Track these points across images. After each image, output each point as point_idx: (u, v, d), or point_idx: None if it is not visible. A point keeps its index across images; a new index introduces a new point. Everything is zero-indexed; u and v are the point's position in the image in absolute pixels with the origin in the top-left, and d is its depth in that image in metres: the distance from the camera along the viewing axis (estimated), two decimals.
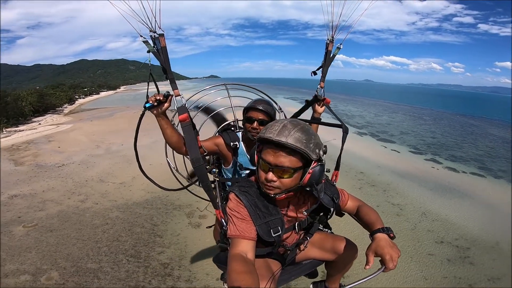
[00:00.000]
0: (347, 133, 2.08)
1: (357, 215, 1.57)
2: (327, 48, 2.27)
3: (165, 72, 1.72)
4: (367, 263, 1.20)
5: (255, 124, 2.15)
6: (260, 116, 2.17)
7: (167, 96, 1.74)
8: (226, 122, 2.82)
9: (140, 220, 8.70)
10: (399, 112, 44.07)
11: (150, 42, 1.67)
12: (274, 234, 1.38)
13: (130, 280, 6.39)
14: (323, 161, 1.31)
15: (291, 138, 1.19)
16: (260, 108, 2.16)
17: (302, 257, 1.74)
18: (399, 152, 18.66)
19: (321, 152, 1.27)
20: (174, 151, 2.26)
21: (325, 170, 1.55)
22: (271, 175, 1.26)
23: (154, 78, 1.79)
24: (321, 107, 2.38)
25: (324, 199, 1.51)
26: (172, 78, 1.74)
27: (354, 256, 1.73)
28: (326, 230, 1.84)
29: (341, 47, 2.27)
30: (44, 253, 13.10)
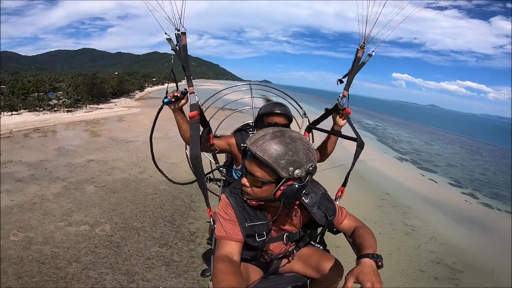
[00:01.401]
0: (362, 148, 1.98)
1: (352, 236, 1.47)
2: (356, 54, 2.12)
3: (184, 69, 1.76)
4: (343, 287, 1.12)
5: None
6: (283, 122, 2.19)
7: (184, 93, 1.79)
8: (245, 123, 2.80)
9: (181, 195, 10.88)
10: (455, 144, 40.48)
11: (174, 40, 1.73)
12: (258, 238, 1.36)
13: (162, 239, 8.46)
14: (304, 181, 1.24)
15: (261, 149, 1.17)
16: (280, 112, 2.18)
17: (286, 269, 1.66)
18: (436, 182, 18.06)
19: (298, 172, 1.19)
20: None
21: (325, 191, 1.58)
22: (244, 180, 1.28)
23: (175, 75, 1.87)
24: (342, 119, 2.18)
25: (317, 215, 1.45)
26: (189, 75, 1.78)
27: (338, 279, 1.59)
28: (318, 246, 1.75)
29: (373, 54, 2.10)
30: (104, 210, 17.03)
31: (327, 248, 1.79)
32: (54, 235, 15.06)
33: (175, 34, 1.71)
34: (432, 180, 18.71)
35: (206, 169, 2.22)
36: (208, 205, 1.62)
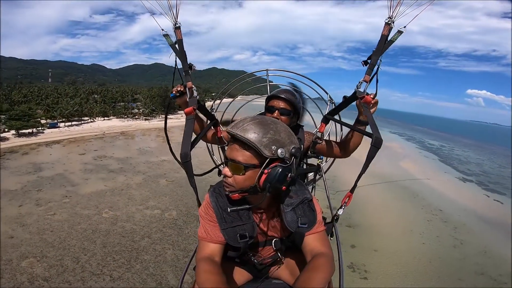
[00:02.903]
0: (378, 148, 1.55)
1: (306, 266, 1.19)
2: (383, 31, 1.65)
3: (181, 63, 1.74)
4: None
5: (276, 113, 1.98)
6: (282, 105, 2.00)
7: (191, 92, 1.76)
8: (260, 112, 2.38)
9: None
10: None
11: (173, 35, 1.72)
12: (240, 240, 1.28)
13: None
14: (288, 163, 1.16)
15: (242, 129, 1.13)
16: (283, 96, 1.99)
17: (275, 275, 1.57)
18: (501, 203, 17.65)
19: (282, 151, 1.13)
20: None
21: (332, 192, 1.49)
22: (225, 170, 1.21)
23: (179, 71, 1.82)
24: (370, 109, 1.66)
25: (288, 216, 1.29)
26: (187, 70, 1.73)
27: None
28: None
29: (404, 31, 1.64)
30: (173, 199, 22.53)
31: None
32: (134, 215, 20.02)
33: (173, 29, 1.68)
34: (497, 201, 18.18)
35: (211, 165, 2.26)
36: (199, 204, 1.55)
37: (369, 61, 1.70)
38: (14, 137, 42.43)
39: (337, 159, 2.27)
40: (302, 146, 2.03)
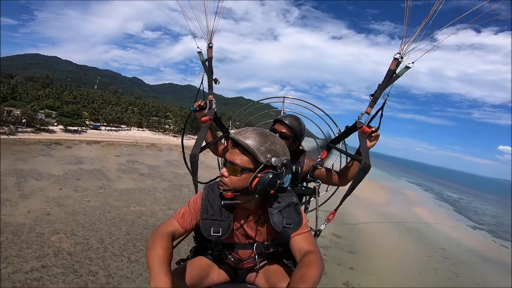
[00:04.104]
0: (366, 173, 1.69)
1: (297, 266, 1.23)
2: (390, 66, 1.70)
3: (208, 78, 1.96)
4: None
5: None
6: (283, 130, 2.15)
7: (210, 104, 2.02)
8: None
9: None
10: None
11: (205, 53, 1.95)
12: (213, 233, 1.38)
13: None
14: (279, 172, 1.28)
15: (244, 137, 1.28)
16: (285, 121, 2.15)
17: (250, 280, 1.61)
18: (506, 248, 18.00)
19: (275, 160, 1.27)
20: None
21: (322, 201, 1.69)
22: (223, 170, 1.33)
23: (202, 88, 2.04)
24: (370, 141, 1.77)
25: (274, 218, 1.37)
26: (211, 85, 1.98)
27: None
28: (289, 262, 1.60)
29: (412, 66, 1.65)
30: None
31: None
32: (157, 213, 22.52)
33: (207, 47, 1.91)
34: (503, 246, 18.70)
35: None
36: None
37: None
38: (61, 131, 48.14)
39: (338, 191, 2.36)
40: (299, 168, 2.18)
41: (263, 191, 1.28)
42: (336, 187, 2.35)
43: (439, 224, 33.41)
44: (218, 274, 1.58)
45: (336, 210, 1.88)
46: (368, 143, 1.77)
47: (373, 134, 1.75)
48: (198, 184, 1.90)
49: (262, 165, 1.27)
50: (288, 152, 1.38)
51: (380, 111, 1.74)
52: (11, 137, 39.86)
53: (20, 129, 43.09)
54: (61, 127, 49.18)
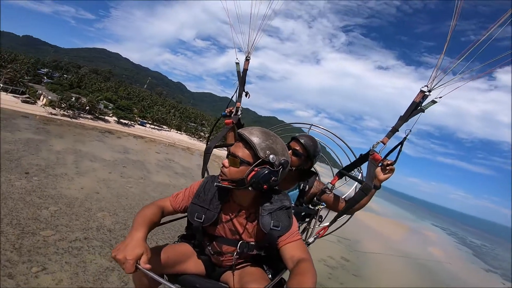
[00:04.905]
0: (366, 194, 1.77)
1: (290, 274, 1.21)
2: (415, 98, 1.68)
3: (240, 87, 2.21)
4: None
5: (289, 152, 2.12)
6: (297, 147, 2.21)
7: (236, 110, 2.26)
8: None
9: None
10: None
11: (242, 64, 2.23)
12: (196, 218, 1.47)
13: None
14: (275, 170, 1.35)
15: (249, 132, 1.37)
16: (301, 141, 2.23)
17: (225, 279, 1.63)
18: None
19: (273, 157, 1.34)
20: None
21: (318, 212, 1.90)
22: (225, 161, 1.41)
23: (236, 96, 2.25)
24: (384, 173, 1.72)
25: (264, 220, 1.41)
26: (241, 93, 2.24)
27: None
28: (268, 269, 1.59)
29: (439, 101, 1.63)
30: None
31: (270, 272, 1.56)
32: None
33: (245, 58, 2.18)
34: None
35: None
36: None
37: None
38: (115, 122, 54.47)
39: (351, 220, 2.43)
40: (307, 187, 2.23)
41: (257, 184, 1.34)
42: (349, 216, 2.31)
43: (451, 264, 33.56)
44: (194, 264, 1.61)
45: (329, 226, 1.98)
46: (382, 176, 1.73)
47: (388, 168, 1.70)
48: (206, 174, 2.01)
49: (260, 160, 1.33)
50: (288, 154, 1.45)
51: (400, 146, 1.69)
52: (74, 120, 46.36)
53: (82, 115, 49.78)
54: (115, 118, 55.74)
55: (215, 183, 1.44)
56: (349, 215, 2.23)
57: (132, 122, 59.05)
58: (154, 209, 1.41)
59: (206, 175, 2.00)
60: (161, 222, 1.47)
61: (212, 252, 1.59)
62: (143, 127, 61.02)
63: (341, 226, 2.33)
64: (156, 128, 64.58)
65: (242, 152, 1.37)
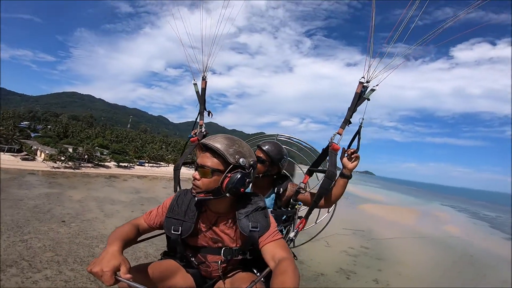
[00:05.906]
0: (331, 180, 1.94)
1: (273, 274, 1.22)
2: (356, 89, 1.94)
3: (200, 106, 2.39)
4: None
5: None
6: (260, 155, 2.28)
7: (200, 127, 2.45)
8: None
9: None
10: None
11: (199, 84, 2.39)
12: (173, 231, 1.46)
13: None
14: (248, 172, 1.39)
15: (214, 141, 1.38)
16: (263, 148, 2.31)
17: (217, 286, 1.62)
18: None
19: (243, 160, 1.37)
20: None
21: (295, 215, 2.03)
22: (195, 174, 1.39)
23: (197, 118, 2.46)
24: (351, 161, 1.94)
25: (242, 223, 1.44)
26: (202, 112, 2.40)
27: None
28: (255, 271, 1.62)
29: (377, 88, 1.89)
30: None
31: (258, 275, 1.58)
32: None
33: (202, 77, 2.36)
34: None
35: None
36: None
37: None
38: (115, 167, 57.02)
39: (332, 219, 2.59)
40: (281, 190, 2.33)
41: (234, 189, 1.36)
42: (330, 215, 2.55)
43: (470, 238, 35.27)
44: (183, 279, 1.57)
45: (306, 218, 2.08)
46: (350, 165, 1.93)
47: (353, 156, 1.91)
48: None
49: (231, 165, 1.36)
50: (254, 155, 1.52)
51: (357, 135, 1.93)
52: (77, 170, 48.76)
53: (82, 164, 52.05)
54: (114, 163, 58.25)
55: (196, 198, 1.41)
56: (332, 208, 2.41)
57: (131, 164, 61.67)
58: (128, 226, 1.44)
59: (178, 189, 2.27)
60: (138, 240, 1.50)
61: (197, 264, 1.57)
62: (143, 167, 63.90)
63: (329, 220, 2.60)
64: (155, 166, 67.54)
65: (211, 161, 1.37)
